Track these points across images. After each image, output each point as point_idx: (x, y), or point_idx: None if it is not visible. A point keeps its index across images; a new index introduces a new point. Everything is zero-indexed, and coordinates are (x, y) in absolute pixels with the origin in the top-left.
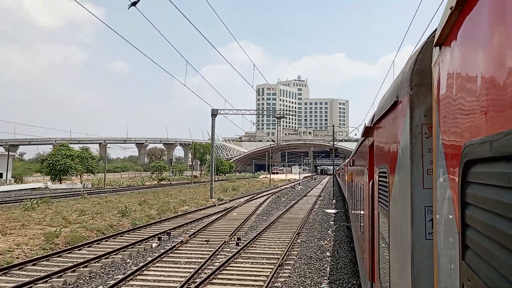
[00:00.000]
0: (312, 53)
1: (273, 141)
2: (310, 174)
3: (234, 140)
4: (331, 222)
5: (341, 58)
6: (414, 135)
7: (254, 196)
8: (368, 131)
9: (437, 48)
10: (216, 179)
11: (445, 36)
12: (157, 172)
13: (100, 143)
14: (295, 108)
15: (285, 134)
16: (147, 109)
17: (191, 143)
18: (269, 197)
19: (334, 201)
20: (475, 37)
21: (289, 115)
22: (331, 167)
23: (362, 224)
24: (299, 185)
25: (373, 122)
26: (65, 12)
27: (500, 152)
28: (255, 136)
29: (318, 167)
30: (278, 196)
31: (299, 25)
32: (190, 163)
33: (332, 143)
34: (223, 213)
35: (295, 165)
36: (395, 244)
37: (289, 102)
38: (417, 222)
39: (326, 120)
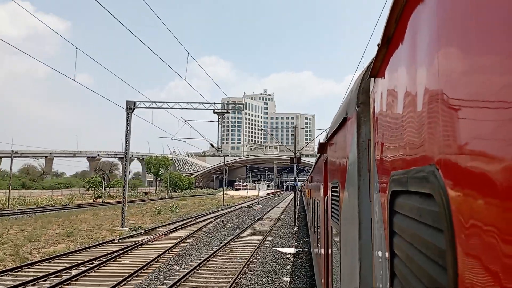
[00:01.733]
0: (280, 70)
1: (238, 155)
2: (273, 191)
3: (198, 155)
4: (285, 278)
5: (308, 76)
6: (361, 150)
7: (191, 221)
8: (322, 148)
9: (372, 79)
10: (170, 196)
11: (377, 69)
12: (94, 189)
13: (46, 157)
14: (261, 122)
15: (250, 149)
16: (101, 122)
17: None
18: (211, 221)
19: (296, 229)
20: (397, 74)
21: (234, 109)
22: (299, 183)
23: (319, 240)
24: (258, 203)
25: (326, 139)
26: (29, 23)
27: (414, 187)
28: (219, 151)
29: (284, 183)
30: (224, 220)
31: (269, 42)
32: (149, 179)
33: (294, 153)
34: (107, 258)
35: (259, 181)
36: (346, 257)
37: (255, 116)
38: (364, 234)
39: (292, 135)
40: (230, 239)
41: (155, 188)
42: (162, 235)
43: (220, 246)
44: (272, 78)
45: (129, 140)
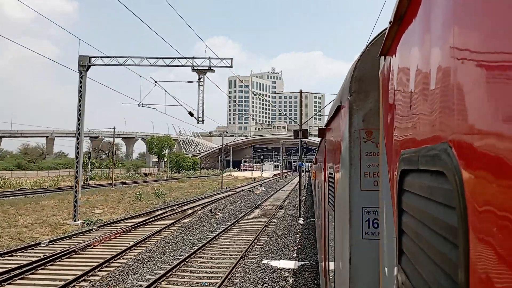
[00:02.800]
0: (289, 50)
1: (245, 136)
2: (280, 172)
3: (204, 135)
4: None
5: (318, 55)
6: (353, 140)
7: (173, 210)
8: (322, 133)
9: (382, 57)
10: (170, 177)
11: (388, 47)
12: (84, 170)
13: (46, 137)
14: (269, 101)
15: (258, 128)
16: (105, 101)
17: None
18: (198, 210)
19: (301, 221)
20: (408, 52)
21: (220, 66)
22: (307, 163)
23: (321, 223)
24: (260, 186)
25: (325, 124)
26: (36, 4)
27: (424, 165)
28: (226, 131)
29: (292, 163)
30: (212, 209)
31: (277, 22)
32: (154, 159)
33: (299, 125)
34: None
35: (262, 161)
36: (338, 243)
37: (263, 95)
38: (355, 222)
39: (301, 114)
40: (208, 240)
41: (158, 169)
42: (117, 233)
43: (188, 254)
44: (281, 58)
45: (83, 109)
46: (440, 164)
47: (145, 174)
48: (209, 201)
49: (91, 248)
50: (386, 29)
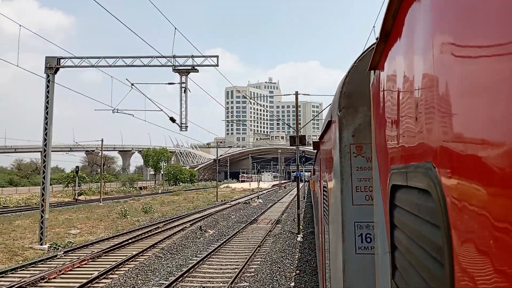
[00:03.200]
0: (286, 61)
1: (243, 146)
2: (278, 182)
3: (202, 147)
4: None
5: (315, 65)
6: (343, 155)
7: (158, 228)
8: (316, 146)
9: (372, 72)
10: (166, 190)
11: (376, 61)
12: (73, 185)
13: (41, 151)
14: (267, 111)
15: (256, 139)
16: (99, 114)
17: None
18: (186, 227)
19: (299, 238)
20: (395, 67)
21: (205, 65)
22: (307, 173)
23: (319, 235)
24: (257, 198)
25: (319, 138)
26: (34, 20)
27: (411, 182)
28: (224, 142)
29: (292, 173)
30: (202, 226)
31: (275, 34)
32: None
33: (296, 131)
34: None
35: (259, 172)
36: (333, 256)
37: (260, 105)
38: (348, 237)
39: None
40: (189, 267)
41: (154, 182)
42: (84, 260)
43: None
44: (279, 69)
45: (51, 117)
46: (426, 182)
47: (140, 188)
48: (200, 217)
49: (45, 281)
50: (373, 44)
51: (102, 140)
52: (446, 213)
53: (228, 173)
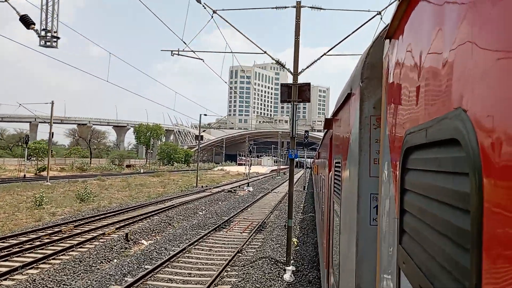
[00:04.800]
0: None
1: (245, 128)
2: (276, 168)
3: (203, 127)
4: None
5: (324, 51)
6: (363, 126)
7: (61, 233)
8: (328, 124)
9: (387, 40)
10: (153, 170)
11: (394, 28)
12: (37, 158)
13: (30, 122)
14: (272, 93)
15: (259, 122)
16: (95, 87)
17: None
18: (110, 233)
19: (288, 275)
20: (419, 30)
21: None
22: (309, 159)
23: (323, 216)
24: (247, 185)
25: (332, 115)
26: None
27: (433, 137)
28: (226, 123)
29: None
30: (152, 225)
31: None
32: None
33: (294, 77)
34: None
35: (263, 156)
36: (344, 231)
37: (265, 87)
38: (363, 209)
39: (304, 108)
40: None
41: (146, 160)
42: None
43: None
44: (287, 53)
45: None
46: (452, 131)
47: (127, 166)
48: (154, 211)
49: None
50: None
51: (52, 103)
52: (478, 159)
53: (224, 155)
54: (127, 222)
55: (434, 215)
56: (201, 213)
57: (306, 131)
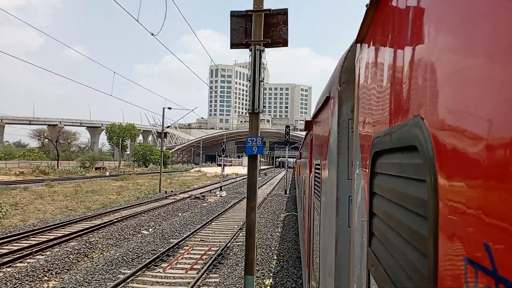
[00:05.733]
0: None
1: (226, 128)
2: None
3: (182, 128)
4: None
5: (306, 52)
6: (341, 129)
7: None
8: (308, 125)
9: (358, 45)
10: (123, 172)
11: (364, 33)
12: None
13: None
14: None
15: (241, 121)
16: (72, 90)
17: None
18: None
19: None
20: (384, 36)
21: None
22: (292, 159)
23: (304, 217)
24: (220, 190)
25: (312, 117)
26: None
27: (396, 143)
28: (206, 123)
29: (277, 159)
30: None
31: None
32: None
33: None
34: None
35: (243, 156)
36: (324, 232)
37: (246, 86)
38: (341, 211)
39: (286, 107)
40: None
41: (119, 162)
42: None
43: None
44: (269, 54)
45: None
46: (411, 138)
47: (96, 168)
48: (82, 230)
49: None
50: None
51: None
52: (434, 166)
53: (203, 155)
54: (18, 255)
55: (398, 220)
56: (146, 233)
57: (287, 126)
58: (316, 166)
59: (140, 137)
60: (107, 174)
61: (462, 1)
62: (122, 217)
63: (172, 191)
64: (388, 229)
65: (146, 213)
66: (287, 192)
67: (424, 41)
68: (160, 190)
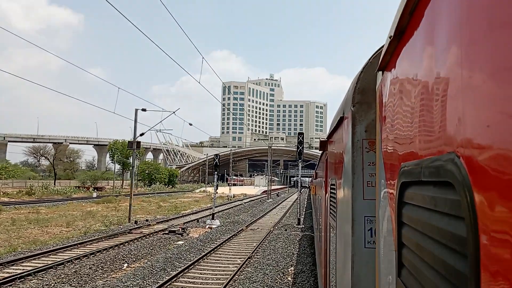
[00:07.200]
0: (292, 66)
1: (239, 147)
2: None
3: (194, 146)
4: None
5: (321, 71)
6: (356, 149)
7: None
8: (323, 145)
9: (380, 72)
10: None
11: (386, 62)
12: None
13: None
14: (267, 110)
15: (254, 139)
16: (79, 108)
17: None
18: None
19: None
20: (410, 65)
21: None
22: (307, 178)
23: (321, 238)
24: (212, 218)
25: (327, 137)
26: (42, 17)
27: (427, 176)
28: (219, 141)
29: (292, 178)
30: None
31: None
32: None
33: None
34: None
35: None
36: (340, 253)
37: (260, 103)
38: (357, 231)
39: (301, 125)
40: None
41: (122, 181)
42: None
43: None
44: (284, 74)
45: None
46: (446, 174)
47: (96, 189)
48: None
49: None
50: (385, 44)
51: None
52: (473, 203)
53: (207, 175)
54: None
55: (431, 253)
56: None
57: (300, 133)
58: (331, 186)
59: (150, 155)
60: (95, 195)
61: (492, 32)
62: (11, 276)
63: (147, 221)
64: (421, 262)
65: (67, 264)
66: (301, 223)
67: (450, 76)
68: (129, 219)
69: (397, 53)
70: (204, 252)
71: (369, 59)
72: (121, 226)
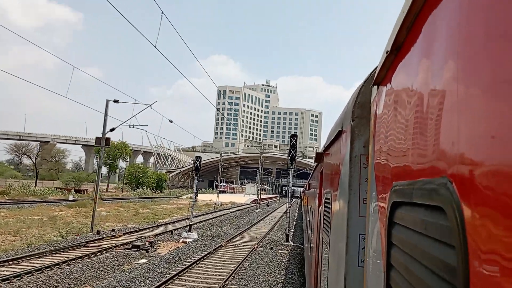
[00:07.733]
0: (289, 74)
1: (232, 153)
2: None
3: (186, 150)
4: None
5: (318, 81)
6: (353, 165)
7: None
8: (319, 158)
9: (375, 86)
10: (110, 197)
11: (382, 77)
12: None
13: None
14: (261, 117)
15: (247, 146)
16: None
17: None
18: None
19: None
20: (406, 80)
21: None
22: (299, 188)
23: (312, 251)
24: (189, 231)
25: (323, 149)
26: (40, 13)
27: (419, 199)
28: (211, 147)
29: (284, 187)
30: None
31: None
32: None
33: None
34: None
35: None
36: (332, 270)
37: (254, 109)
38: (351, 249)
39: (296, 133)
40: None
41: (107, 184)
42: None
43: None
44: (281, 81)
45: None
46: (438, 199)
47: (78, 191)
48: None
49: None
50: (381, 58)
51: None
52: (464, 232)
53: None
54: None
55: (420, 279)
56: None
57: (293, 136)
58: (326, 200)
59: (140, 159)
60: (71, 198)
61: (492, 48)
62: None
63: (113, 230)
64: (409, 286)
65: None
66: (290, 239)
67: (446, 93)
68: (92, 228)
69: (393, 68)
70: (164, 278)
71: (370, 73)
72: (78, 237)
